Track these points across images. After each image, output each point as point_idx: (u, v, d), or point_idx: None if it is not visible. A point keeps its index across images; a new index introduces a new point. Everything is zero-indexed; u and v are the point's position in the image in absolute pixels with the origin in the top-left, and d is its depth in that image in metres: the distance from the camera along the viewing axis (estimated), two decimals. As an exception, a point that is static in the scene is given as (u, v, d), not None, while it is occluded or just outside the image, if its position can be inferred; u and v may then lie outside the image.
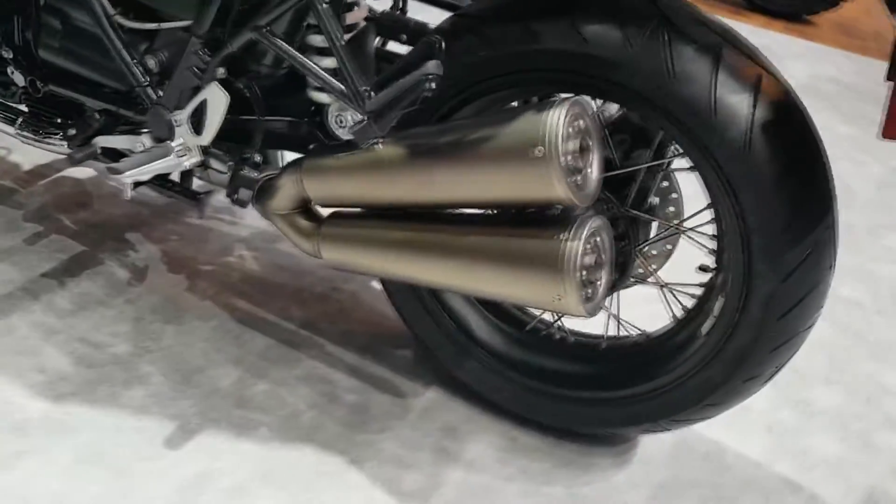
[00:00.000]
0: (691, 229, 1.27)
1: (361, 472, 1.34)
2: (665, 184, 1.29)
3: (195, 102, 1.29)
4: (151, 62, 1.34)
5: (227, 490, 1.27)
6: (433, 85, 1.06)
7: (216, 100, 1.27)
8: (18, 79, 1.52)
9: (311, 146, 1.39)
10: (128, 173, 1.24)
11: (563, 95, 1.15)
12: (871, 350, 1.81)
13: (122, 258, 1.71)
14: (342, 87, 1.15)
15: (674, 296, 1.33)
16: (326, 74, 1.17)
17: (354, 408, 1.46)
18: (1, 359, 1.43)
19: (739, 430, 1.51)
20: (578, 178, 1.07)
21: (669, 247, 1.34)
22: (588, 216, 1.11)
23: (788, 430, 1.55)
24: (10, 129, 1.55)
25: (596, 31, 1.09)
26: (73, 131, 1.45)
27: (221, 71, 1.28)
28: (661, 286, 1.33)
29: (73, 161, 1.42)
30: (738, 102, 1.05)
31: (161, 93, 1.34)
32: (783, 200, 1.07)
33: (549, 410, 1.41)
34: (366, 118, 1.10)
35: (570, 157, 1.05)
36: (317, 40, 1.31)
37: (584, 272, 1.09)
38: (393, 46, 1.48)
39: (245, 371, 1.49)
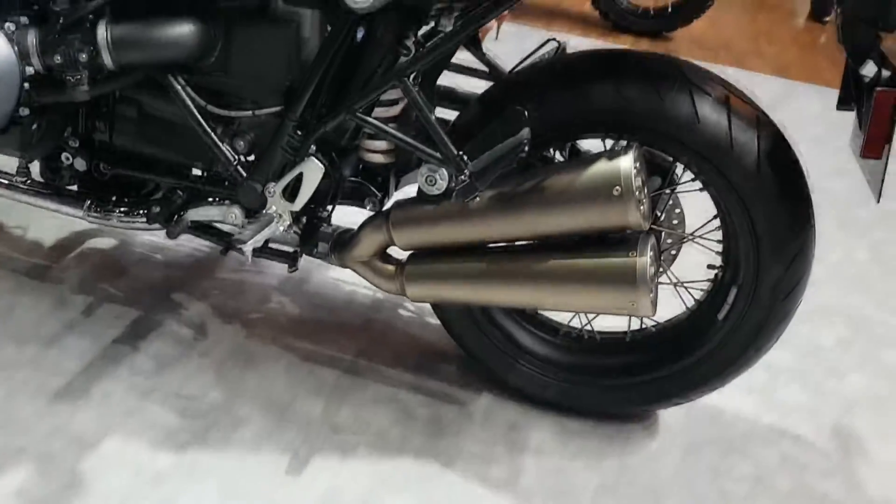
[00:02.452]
0: (700, 237, 1.61)
1: (456, 470, 1.58)
2: (671, 202, 1.63)
3: (291, 175, 1.50)
4: (240, 143, 1.53)
5: (356, 499, 1.49)
6: (527, 149, 1.33)
7: (313, 172, 1.48)
8: (80, 164, 1.66)
9: (366, 200, 1.64)
10: (249, 243, 1.43)
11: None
12: (800, 316, 2.23)
13: (179, 317, 1.86)
14: (439, 154, 1.40)
15: (687, 291, 1.67)
16: (425, 146, 1.41)
17: (429, 419, 1.70)
18: (112, 421, 1.57)
19: (728, 394, 1.86)
20: (643, 207, 1.38)
21: (674, 252, 1.67)
22: (644, 235, 1.42)
23: (764, 388, 1.93)
24: (78, 212, 1.68)
25: (635, 92, 1.40)
26: (156, 209, 1.61)
27: (314, 147, 1.50)
28: (675, 284, 1.66)
29: (170, 236, 1.58)
30: (748, 139, 1.39)
31: (252, 168, 1.53)
32: (784, 208, 1.43)
33: (592, 398, 1.71)
34: (468, 178, 1.36)
35: (637, 192, 1.35)
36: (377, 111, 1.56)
37: (650, 281, 1.40)
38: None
39: (327, 400, 1.70)
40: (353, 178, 1.65)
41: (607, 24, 4.38)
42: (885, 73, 1.26)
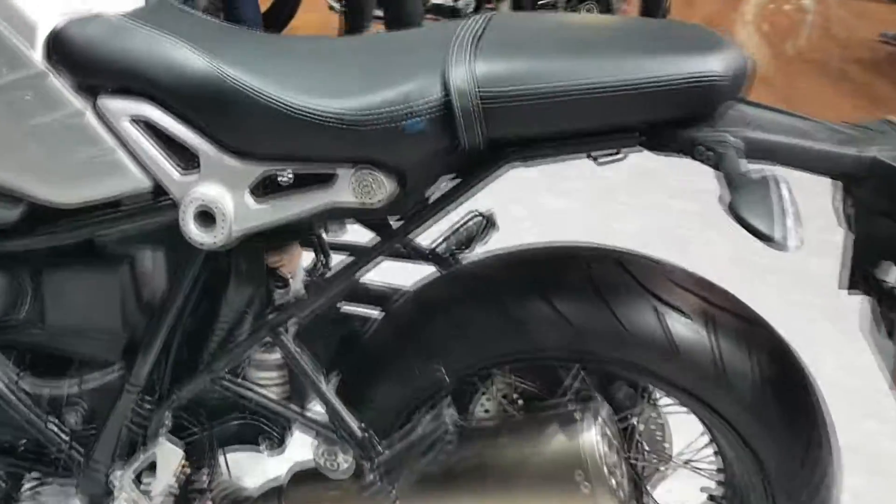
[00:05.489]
0: (691, 463, 1.26)
1: None
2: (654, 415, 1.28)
3: (140, 461, 1.12)
4: (72, 418, 1.15)
5: None
6: (453, 437, 0.96)
7: (168, 456, 1.11)
8: None
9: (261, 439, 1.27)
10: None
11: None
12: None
13: None
14: (337, 434, 1.03)
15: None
16: (317, 421, 1.05)
17: None
18: None
19: None
20: (621, 493, 1.01)
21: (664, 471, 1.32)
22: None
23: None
24: None
25: (578, 312, 1.05)
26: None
27: (169, 422, 1.12)
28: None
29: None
30: (742, 362, 1.04)
31: (90, 449, 1.15)
32: (797, 444, 1.08)
33: None
34: (377, 478, 0.99)
35: (610, 475, 1.00)
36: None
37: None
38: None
39: None
40: (241, 418, 1.28)
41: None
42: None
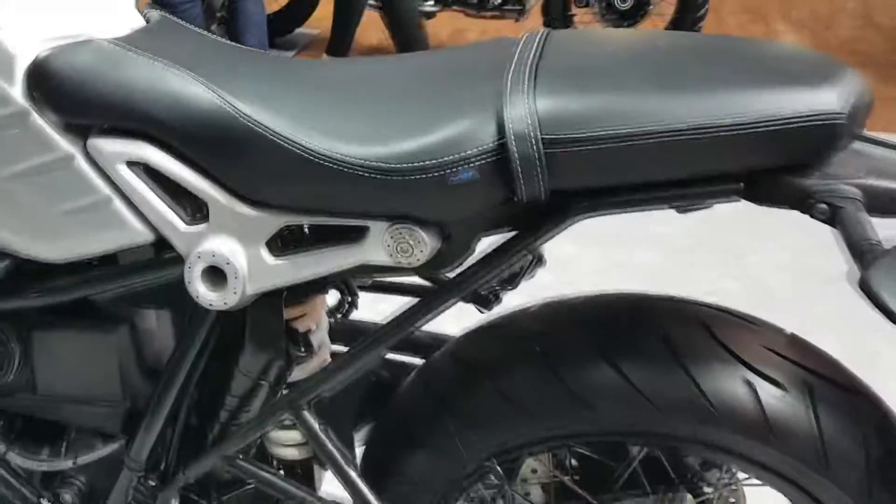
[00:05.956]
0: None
1: None
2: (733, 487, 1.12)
3: (145, 549, 0.98)
4: (68, 496, 1.01)
5: None
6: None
7: (177, 545, 0.97)
8: None
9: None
10: None
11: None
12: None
13: None
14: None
15: None
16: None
17: None
18: None
19: None
20: None
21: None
22: None
23: None
24: None
25: (665, 394, 0.89)
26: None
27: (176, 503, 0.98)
28: None
29: None
30: (850, 450, 0.88)
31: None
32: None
33: None
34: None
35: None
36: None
37: None
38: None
39: None
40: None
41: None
42: None
